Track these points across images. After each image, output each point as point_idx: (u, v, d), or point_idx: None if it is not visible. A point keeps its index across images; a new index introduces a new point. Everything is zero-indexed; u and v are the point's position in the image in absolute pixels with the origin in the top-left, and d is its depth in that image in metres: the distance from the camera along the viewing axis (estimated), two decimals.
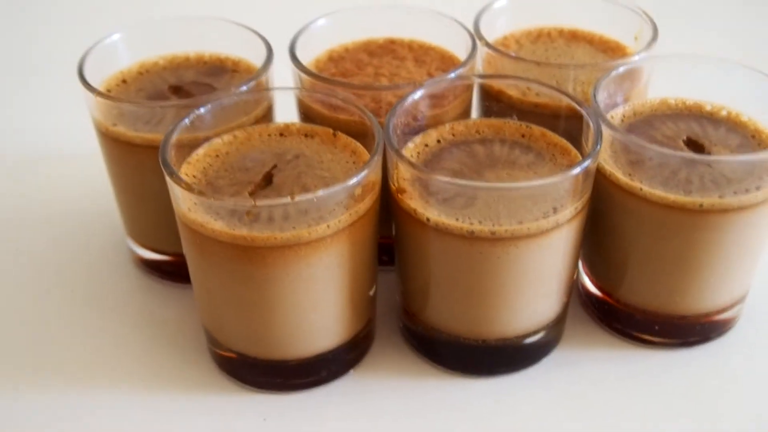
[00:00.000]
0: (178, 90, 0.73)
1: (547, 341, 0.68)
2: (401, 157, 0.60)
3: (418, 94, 0.66)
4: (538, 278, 0.63)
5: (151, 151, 0.66)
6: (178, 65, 0.76)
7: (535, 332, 0.66)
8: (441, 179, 0.59)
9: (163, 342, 0.71)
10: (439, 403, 0.66)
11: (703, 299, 0.67)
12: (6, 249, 0.81)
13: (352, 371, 0.68)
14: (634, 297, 0.68)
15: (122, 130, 0.68)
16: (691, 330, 0.69)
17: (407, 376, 0.68)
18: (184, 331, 0.72)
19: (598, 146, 0.61)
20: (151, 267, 0.77)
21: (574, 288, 0.73)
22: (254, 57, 0.75)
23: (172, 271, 0.76)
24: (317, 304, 0.63)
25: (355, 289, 0.65)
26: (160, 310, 0.74)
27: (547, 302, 0.66)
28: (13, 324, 0.74)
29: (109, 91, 0.73)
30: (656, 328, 0.69)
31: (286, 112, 0.72)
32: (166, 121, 0.68)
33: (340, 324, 0.65)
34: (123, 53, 0.75)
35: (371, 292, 0.68)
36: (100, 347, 0.71)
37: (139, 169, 0.70)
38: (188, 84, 0.73)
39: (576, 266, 0.67)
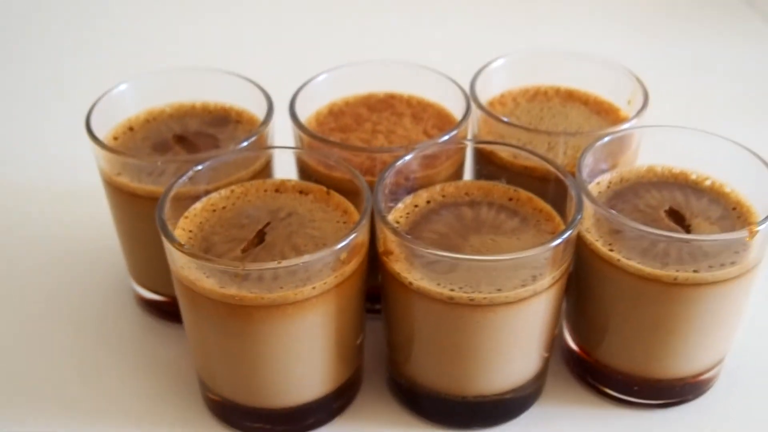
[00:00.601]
0: (182, 140, 0.76)
1: (527, 397, 0.71)
2: (387, 224, 0.63)
3: (408, 158, 0.69)
4: (517, 341, 0.65)
5: (153, 201, 0.69)
6: (184, 114, 0.79)
7: (514, 390, 0.69)
8: (423, 250, 0.62)
9: (158, 381, 0.74)
10: None
11: (680, 364, 0.69)
12: (9, 279, 0.84)
13: (338, 419, 0.71)
14: (612, 358, 0.70)
15: (125, 180, 0.71)
16: (668, 392, 0.71)
17: (390, 426, 0.70)
18: (179, 372, 0.75)
19: (578, 218, 0.63)
20: (151, 306, 0.80)
21: (558, 343, 0.75)
22: (258, 108, 0.77)
23: (171, 312, 0.78)
24: (303, 358, 0.65)
25: (341, 341, 0.67)
26: (157, 349, 0.77)
27: (526, 362, 0.68)
28: (10, 352, 0.77)
29: (116, 138, 0.76)
30: (635, 388, 0.71)
31: (285, 164, 0.75)
32: (168, 173, 0.71)
33: (326, 375, 0.68)
34: (131, 101, 0.78)
35: (358, 341, 0.70)
36: (95, 382, 0.74)
37: (140, 217, 0.73)
38: (192, 134, 0.76)
39: (557, 325, 0.69)
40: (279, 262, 0.60)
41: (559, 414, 0.71)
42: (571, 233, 0.62)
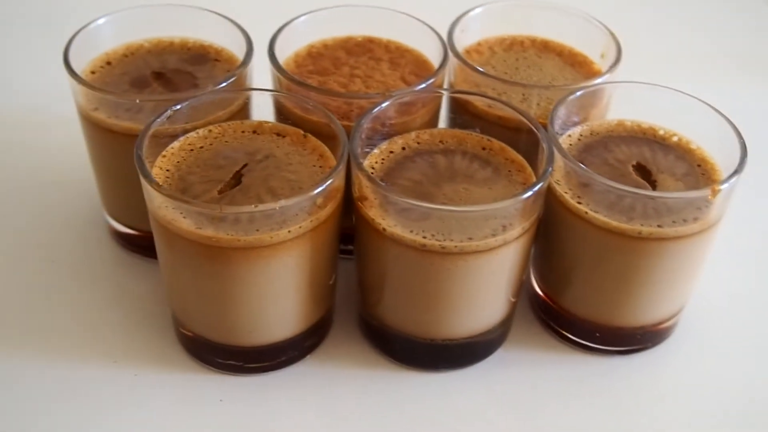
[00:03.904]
0: (160, 76, 0.76)
1: (493, 341, 0.73)
2: (363, 171, 0.64)
3: (385, 105, 0.70)
4: (486, 288, 0.68)
5: (129, 138, 0.70)
6: (162, 50, 0.79)
7: (481, 334, 0.71)
8: (398, 198, 0.63)
9: (131, 314, 0.76)
10: (385, 393, 0.71)
11: (641, 314, 0.72)
12: None
13: (309, 357, 0.73)
14: (575, 306, 0.73)
15: (102, 116, 0.72)
16: (628, 339, 0.74)
17: (359, 365, 0.73)
18: (151, 306, 0.76)
19: (548, 171, 0.65)
20: (124, 240, 0.81)
21: (524, 287, 0.78)
22: (236, 47, 0.78)
23: (144, 246, 0.79)
24: (277, 299, 0.67)
25: (315, 282, 0.69)
26: (130, 282, 0.78)
27: (494, 308, 0.70)
28: None
29: (93, 72, 0.76)
30: (597, 335, 0.74)
31: (262, 105, 0.75)
32: (145, 110, 0.71)
33: (299, 315, 0.69)
34: (109, 35, 0.78)
35: (331, 281, 0.72)
36: (67, 313, 0.76)
37: (116, 153, 0.73)
38: (170, 71, 0.76)
39: (524, 273, 0.71)
40: (256, 206, 0.61)
41: (522, 358, 0.74)
42: (541, 186, 0.64)
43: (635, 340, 0.74)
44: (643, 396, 0.72)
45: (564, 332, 0.75)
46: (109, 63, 0.77)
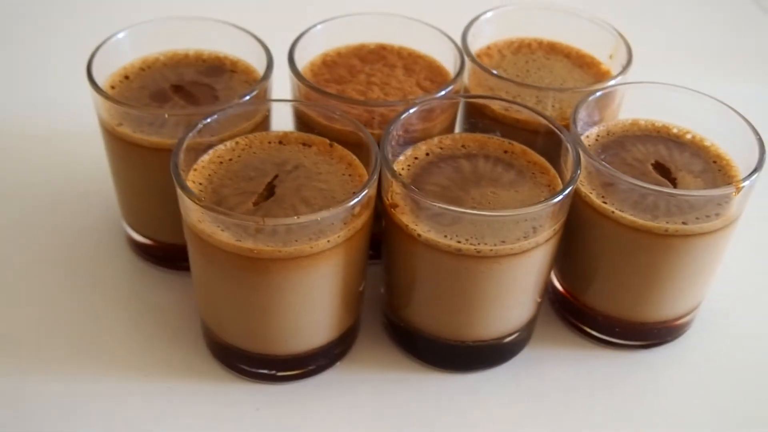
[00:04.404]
0: (179, 89, 0.76)
1: (520, 341, 0.75)
2: (397, 178, 0.65)
3: (411, 112, 0.71)
4: (518, 289, 0.69)
5: (154, 152, 0.71)
6: (178, 62, 0.79)
7: (510, 334, 0.73)
8: (432, 204, 0.64)
9: (155, 325, 0.76)
10: (417, 395, 0.72)
11: (663, 309, 0.74)
12: (2, 219, 0.85)
13: (338, 363, 0.74)
14: (598, 303, 0.75)
15: (127, 131, 0.72)
16: (648, 334, 0.76)
17: (388, 368, 0.74)
18: (176, 316, 0.77)
19: (578, 174, 0.66)
20: (141, 249, 0.81)
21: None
22: (252, 58, 0.78)
23: (164, 257, 0.80)
24: (313, 307, 0.68)
25: (348, 289, 0.70)
26: (150, 292, 0.79)
27: (523, 308, 0.72)
28: (5, 292, 0.78)
29: (113, 87, 0.76)
30: (617, 330, 0.76)
31: (281, 115, 0.76)
32: (168, 124, 0.71)
33: (332, 322, 0.70)
34: (125, 49, 0.78)
35: (361, 288, 0.73)
36: (91, 325, 0.76)
37: (141, 167, 0.74)
38: (189, 84, 0.77)
39: (550, 273, 0.73)
40: (298, 218, 0.62)
41: (547, 356, 0.76)
42: (572, 188, 0.66)
43: (654, 334, 0.76)
44: (667, 388, 0.74)
45: (585, 328, 0.77)
46: (126, 77, 0.77)
